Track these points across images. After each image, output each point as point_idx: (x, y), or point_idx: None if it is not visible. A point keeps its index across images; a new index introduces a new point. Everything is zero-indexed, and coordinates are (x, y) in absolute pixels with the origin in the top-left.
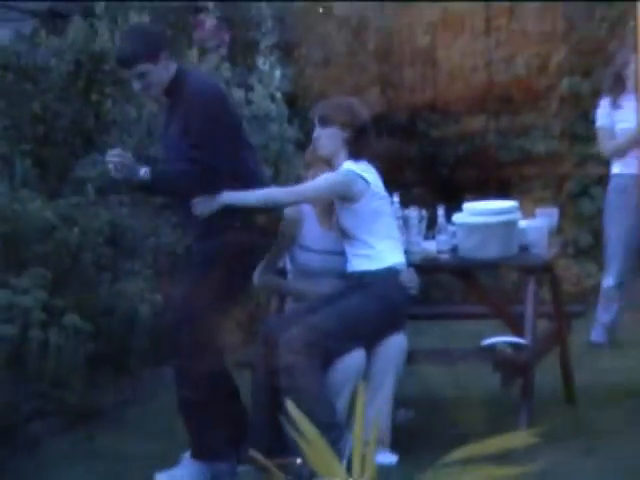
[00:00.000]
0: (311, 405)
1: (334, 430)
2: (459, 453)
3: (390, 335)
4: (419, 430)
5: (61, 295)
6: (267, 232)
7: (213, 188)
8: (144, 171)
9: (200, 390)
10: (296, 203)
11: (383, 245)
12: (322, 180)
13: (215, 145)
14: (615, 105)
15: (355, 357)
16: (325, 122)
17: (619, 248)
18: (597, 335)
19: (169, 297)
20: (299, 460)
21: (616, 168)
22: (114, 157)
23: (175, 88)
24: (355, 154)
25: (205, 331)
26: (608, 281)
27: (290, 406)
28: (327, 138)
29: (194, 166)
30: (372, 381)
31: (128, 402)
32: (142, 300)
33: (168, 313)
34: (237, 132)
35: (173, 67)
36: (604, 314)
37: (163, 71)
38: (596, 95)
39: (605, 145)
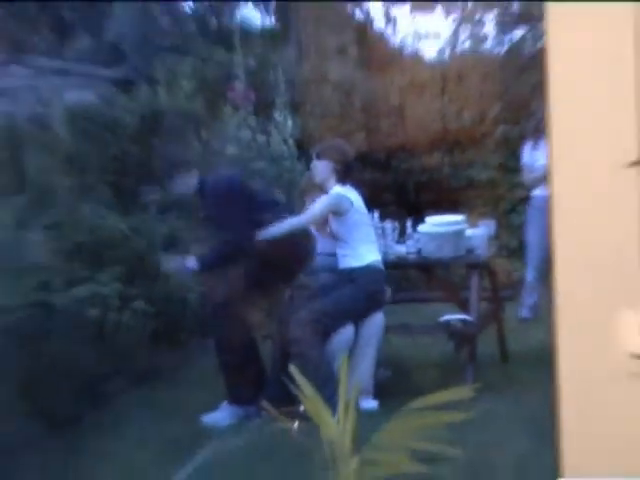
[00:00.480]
0: (313, 367)
1: (330, 386)
2: (418, 402)
3: (372, 314)
4: (394, 384)
5: (131, 286)
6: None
7: (242, 249)
8: (192, 264)
9: (235, 354)
10: (311, 223)
11: (364, 248)
12: (321, 202)
13: (230, 224)
14: (535, 147)
15: (346, 331)
16: (320, 156)
17: (536, 251)
18: (524, 313)
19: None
20: (302, 408)
21: (534, 192)
22: (169, 267)
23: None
24: (341, 180)
25: (240, 313)
26: (529, 274)
27: (294, 370)
28: (321, 168)
29: (220, 245)
30: (359, 349)
31: (180, 365)
32: (190, 291)
33: (210, 301)
34: (246, 207)
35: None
36: (528, 298)
37: None
38: (522, 139)
39: (527, 176)
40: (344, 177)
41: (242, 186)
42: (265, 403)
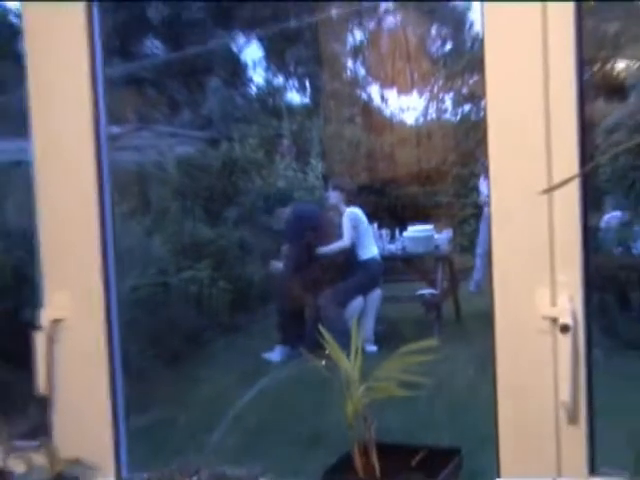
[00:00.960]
0: (335, 325)
1: (346, 336)
2: (404, 349)
3: (374, 289)
4: (387, 335)
5: (217, 272)
6: None
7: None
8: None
9: (289, 315)
10: (351, 242)
11: (369, 247)
12: (346, 227)
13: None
14: (484, 180)
15: (358, 301)
16: (334, 188)
17: (482, 245)
18: (472, 287)
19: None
20: (327, 351)
21: (485, 208)
22: (273, 267)
23: None
24: (350, 204)
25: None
26: (477, 261)
27: (320, 327)
28: (334, 195)
29: (292, 256)
30: (365, 312)
31: (250, 323)
32: (255, 274)
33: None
34: (311, 229)
35: None
36: (475, 276)
37: None
38: (471, 174)
39: (481, 198)
40: (350, 202)
41: (309, 214)
42: (303, 348)
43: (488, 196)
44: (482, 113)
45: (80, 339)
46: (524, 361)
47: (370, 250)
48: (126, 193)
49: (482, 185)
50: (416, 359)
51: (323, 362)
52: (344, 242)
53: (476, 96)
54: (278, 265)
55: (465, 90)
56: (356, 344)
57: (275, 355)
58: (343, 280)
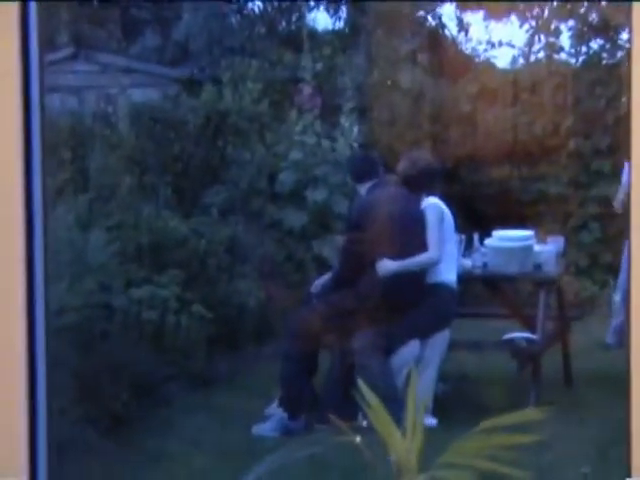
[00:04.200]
0: (377, 383)
1: (393, 401)
2: (488, 423)
3: (439, 331)
4: (454, 401)
5: (190, 290)
6: None
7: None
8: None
9: (302, 367)
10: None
11: (446, 266)
12: (433, 222)
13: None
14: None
15: (412, 347)
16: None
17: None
18: (609, 338)
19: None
20: (365, 422)
21: None
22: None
23: None
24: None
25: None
26: (617, 295)
27: (361, 383)
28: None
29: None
30: (422, 365)
31: (237, 371)
32: (250, 295)
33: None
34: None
35: None
36: (614, 321)
37: None
38: (596, 152)
39: (621, 196)
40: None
41: (384, 205)
42: (332, 416)
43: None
44: (619, 53)
45: None
46: None
47: (447, 270)
48: (49, 161)
49: (625, 172)
50: (507, 440)
51: (358, 438)
52: (430, 254)
53: (611, 26)
54: (321, 284)
55: (594, 17)
56: (414, 414)
57: (270, 426)
58: (394, 312)
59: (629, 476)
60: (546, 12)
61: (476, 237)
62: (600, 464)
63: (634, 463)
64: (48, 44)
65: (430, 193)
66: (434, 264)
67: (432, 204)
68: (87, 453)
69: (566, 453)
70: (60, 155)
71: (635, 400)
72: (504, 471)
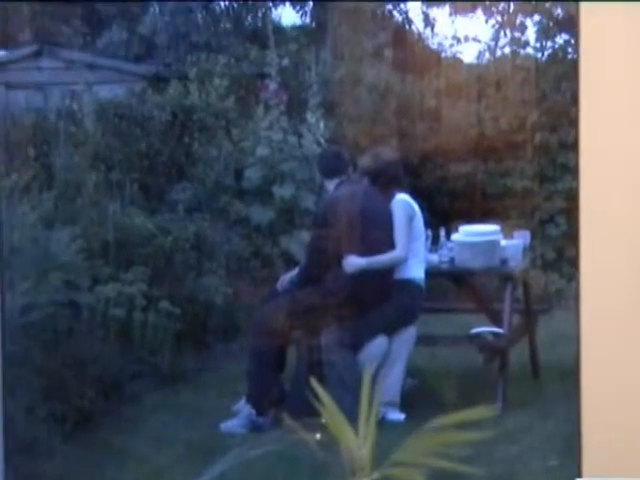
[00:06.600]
0: (343, 379)
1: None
2: (440, 421)
3: (406, 327)
4: (421, 395)
5: (157, 286)
6: None
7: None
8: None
9: (269, 364)
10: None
11: (414, 262)
12: (401, 219)
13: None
14: None
15: (379, 343)
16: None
17: None
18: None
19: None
20: (323, 420)
21: None
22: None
23: None
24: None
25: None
26: None
27: (314, 381)
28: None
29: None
30: (389, 361)
31: (204, 367)
32: (217, 292)
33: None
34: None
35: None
36: None
37: None
38: (562, 146)
39: None
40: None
41: (350, 201)
42: (285, 414)
43: None
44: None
45: None
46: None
47: (415, 266)
48: (14, 157)
49: None
50: (461, 437)
51: (317, 436)
52: (397, 253)
53: (575, 22)
54: (287, 280)
55: (559, 12)
56: (367, 410)
57: (238, 423)
58: (361, 309)
59: (580, 476)
60: (511, 7)
61: (442, 232)
62: (567, 457)
63: (584, 465)
64: (11, 41)
65: (399, 190)
66: (401, 262)
67: (401, 201)
68: (52, 451)
69: (533, 446)
70: (25, 152)
71: (585, 400)
72: (457, 469)
